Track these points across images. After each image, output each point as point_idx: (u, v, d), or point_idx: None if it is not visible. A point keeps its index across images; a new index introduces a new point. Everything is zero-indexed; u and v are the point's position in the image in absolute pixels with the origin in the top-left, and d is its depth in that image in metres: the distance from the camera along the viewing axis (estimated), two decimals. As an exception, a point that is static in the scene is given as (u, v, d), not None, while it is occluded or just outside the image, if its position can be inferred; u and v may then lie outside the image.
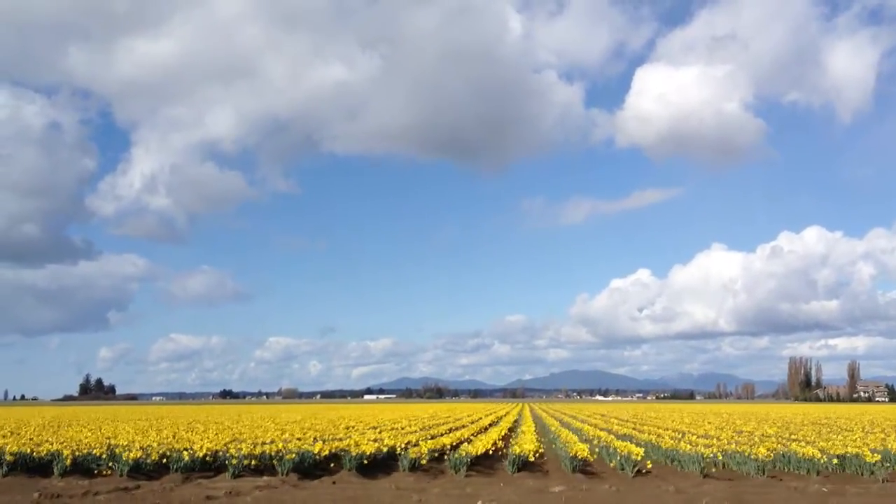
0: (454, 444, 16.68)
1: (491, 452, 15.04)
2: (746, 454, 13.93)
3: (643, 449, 14.47)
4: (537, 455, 14.99)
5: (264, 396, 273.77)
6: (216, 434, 19.29)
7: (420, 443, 14.57)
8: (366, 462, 13.28)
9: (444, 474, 13.41)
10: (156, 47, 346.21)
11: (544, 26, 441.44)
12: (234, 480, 12.50)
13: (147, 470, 13.31)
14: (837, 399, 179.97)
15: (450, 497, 11.20)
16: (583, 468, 13.89)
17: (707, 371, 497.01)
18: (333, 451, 13.75)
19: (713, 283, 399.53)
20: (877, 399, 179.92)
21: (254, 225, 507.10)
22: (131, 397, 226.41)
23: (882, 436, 20.48)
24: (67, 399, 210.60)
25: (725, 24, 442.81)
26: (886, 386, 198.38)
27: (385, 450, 14.51)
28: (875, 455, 13.80)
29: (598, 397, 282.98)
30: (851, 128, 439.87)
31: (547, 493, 11.64)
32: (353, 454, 13.28)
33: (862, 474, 13.57)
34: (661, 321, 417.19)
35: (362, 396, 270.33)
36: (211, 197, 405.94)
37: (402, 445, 14.46)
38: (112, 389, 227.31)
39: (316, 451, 13.68)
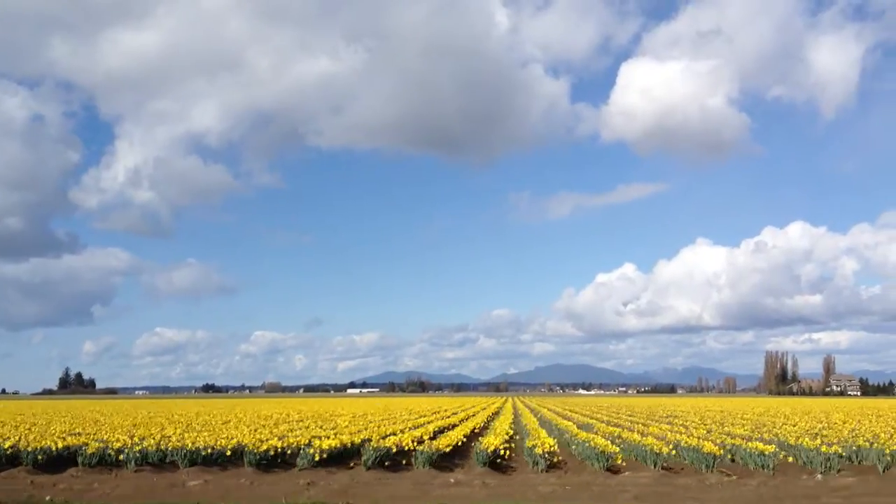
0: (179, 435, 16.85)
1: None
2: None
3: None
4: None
5: (247, 390, 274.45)
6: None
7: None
8: (40, 458, 13.48)
9: (119, 469, 13.58)
10: (140, 39, 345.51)
11: (530, 20, 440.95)
12: None
13: None
14: (810, 393, 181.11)
15: (71, 492, 11.43)
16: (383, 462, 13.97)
17: (691, 365, 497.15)
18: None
19: (698, 278, 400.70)
20: (849, 393, 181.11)
21: (239, 219, 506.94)
22: (111, 391, 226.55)
23: (669, 428, 20.86)
24: (46, 393, 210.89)
25: (710, 18, 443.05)
26: (860, 380, 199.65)
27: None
28: (551, 447, 14.13)
29: (581, 391, 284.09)
30: (835, 123, 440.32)
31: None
32: (30, 450, 13.51)
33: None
34: (647, 315, 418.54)
35: (345, 390, 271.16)
36: (196, 190, 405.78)
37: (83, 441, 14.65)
38: (92, 383, 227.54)
39: (6, 446, 13.93)
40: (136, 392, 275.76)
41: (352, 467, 13.76)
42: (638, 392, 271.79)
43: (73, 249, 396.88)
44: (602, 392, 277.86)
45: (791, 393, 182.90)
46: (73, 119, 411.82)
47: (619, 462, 13.38)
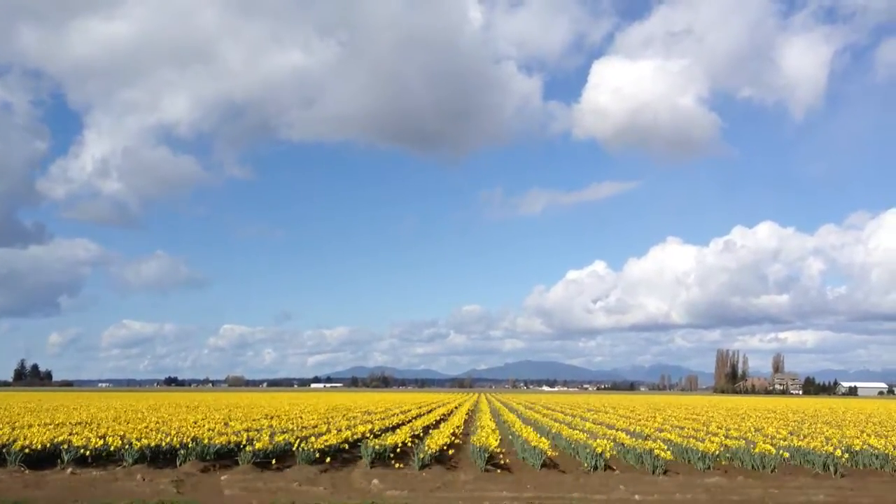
0: None
1: None
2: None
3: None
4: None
5: (210, 384, 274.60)
6: None
7: None
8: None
9: None
10: (110, 28, 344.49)
11: (504, 17, 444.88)
12: None
13: None
14: (753, 391, 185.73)
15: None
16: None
17: (658, 363, 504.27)
18: None
19: (667, 277, 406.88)
20: (791, 391, 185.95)
21: (209, 211, 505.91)
22: (67, 384, 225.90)
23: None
24: (1, 385, 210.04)
25: (683, 19, 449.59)
26: (806, 379, 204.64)
27: None
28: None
29: (545, 388, 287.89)
30: (804, 125, 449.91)
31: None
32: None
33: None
34: (616, 313, 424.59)
35: (309, 385, 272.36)
36: (165, 182, 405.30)
37: None
38: (49, 375, 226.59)
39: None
40: (100, 385, 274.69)
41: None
42: (598, 389, 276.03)
43: (40, 240, 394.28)
44: (565, 389, 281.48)
45: (734, 391, 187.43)
46: (40, 108, 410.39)
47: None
